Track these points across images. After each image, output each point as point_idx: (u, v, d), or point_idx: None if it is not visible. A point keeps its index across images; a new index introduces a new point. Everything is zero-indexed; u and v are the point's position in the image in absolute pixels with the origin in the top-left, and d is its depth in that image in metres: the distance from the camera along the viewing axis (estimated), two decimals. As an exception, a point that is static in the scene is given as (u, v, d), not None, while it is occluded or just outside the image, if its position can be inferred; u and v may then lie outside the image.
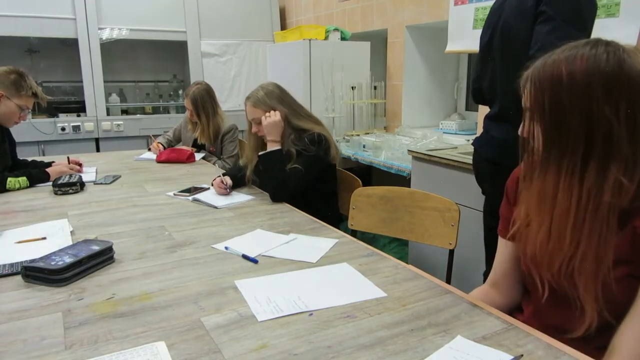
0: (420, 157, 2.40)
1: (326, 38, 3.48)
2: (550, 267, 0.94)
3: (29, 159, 2.49)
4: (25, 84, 2.10)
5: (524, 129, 0.93)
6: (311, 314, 0.97)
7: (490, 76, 1.67)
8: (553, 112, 0.86)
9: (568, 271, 0.90)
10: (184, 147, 3.00)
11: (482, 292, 1.13)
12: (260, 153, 1.95)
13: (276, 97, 1.95)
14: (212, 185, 1.99)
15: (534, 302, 1.05)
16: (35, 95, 2.15)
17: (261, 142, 2.00)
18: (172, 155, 2.78)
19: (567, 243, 0.88)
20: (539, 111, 0.88)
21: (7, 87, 2.07)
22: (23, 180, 2.08)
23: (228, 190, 1.92)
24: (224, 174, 2.00)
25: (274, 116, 1.91)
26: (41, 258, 1.17)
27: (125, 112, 4.27)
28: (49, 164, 2.35)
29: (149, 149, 3.06)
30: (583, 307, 0.90)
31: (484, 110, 2.72)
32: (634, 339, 0.85)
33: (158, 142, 3.03)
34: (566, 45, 0.89)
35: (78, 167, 2.37)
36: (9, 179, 2.04)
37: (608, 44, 0.85)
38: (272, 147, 1.92)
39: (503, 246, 1.12)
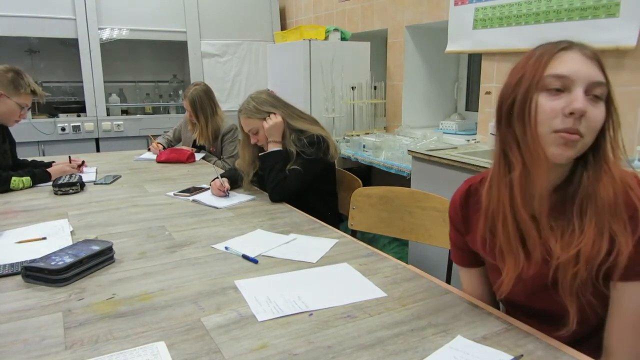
0: (420, 157, 2.40)
1: (326, 38, 3.47)
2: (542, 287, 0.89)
3: (29, 158, 2.49)
4: (23, 82, 2.10)
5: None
6: (311, 314, 0.97)
7: None
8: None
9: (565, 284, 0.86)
10: (184, 147, 3.00)
11: None
12: (261, 154, 1.96)
13: (268, 103, 1.97)
14: (210, 186, 1.99)
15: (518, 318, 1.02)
16: (33, 92, 2.15)
17: (257, 155, 2.01)
18: (172, 155, 2.78)
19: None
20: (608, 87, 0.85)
21: (6, 86, 2.07)
22: (27, 180, 2.09)
23: (227, 194, 1.92)
24: (222, 175, 2.00)
25: (275, 118, 1.93)
26: (41, 258, 1.17)
27: (125, 112, 4.27)
28: (49, 164, 2.35)
29: (149, 149, 3.07)
30: (566, 312, 0.86)
31: (483, 110, 2.73)
32: (625, 338, 0.86)
33: (158, 142, 3.04)
34: None
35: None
36: (13, 178, 2.04)
37: None
38: (273, 147, 1.93)
39: (471, 275, 1.07)
